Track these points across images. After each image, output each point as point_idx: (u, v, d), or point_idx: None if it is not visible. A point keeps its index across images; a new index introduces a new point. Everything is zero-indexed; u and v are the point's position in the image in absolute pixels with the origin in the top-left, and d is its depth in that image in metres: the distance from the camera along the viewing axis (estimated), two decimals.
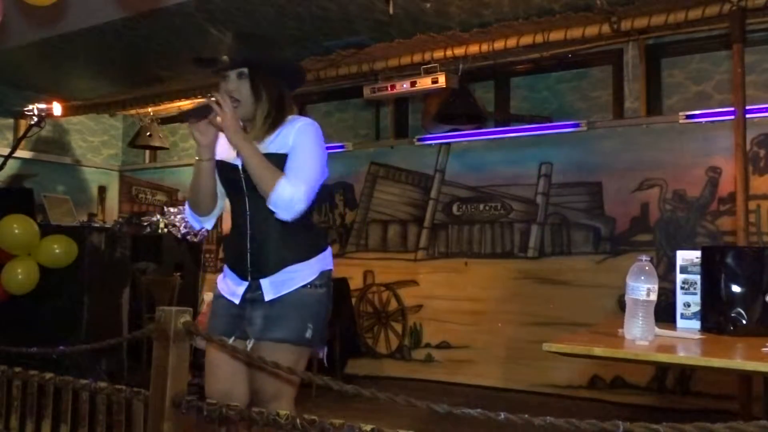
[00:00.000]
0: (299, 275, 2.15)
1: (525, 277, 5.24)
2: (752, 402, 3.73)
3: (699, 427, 1.07)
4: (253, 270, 2.16)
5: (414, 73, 5.09)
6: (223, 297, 2.24)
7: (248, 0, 4.39)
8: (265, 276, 2.15)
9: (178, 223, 5.68)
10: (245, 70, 2.12)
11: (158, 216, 5.69)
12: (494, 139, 5.51)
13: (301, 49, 5.16)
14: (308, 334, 2.13)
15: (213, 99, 2.07)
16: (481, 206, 5.50)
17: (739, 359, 1.85)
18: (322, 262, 2.22)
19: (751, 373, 1.99)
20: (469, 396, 4.94)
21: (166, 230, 5.55)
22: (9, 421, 2.05)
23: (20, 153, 6.48)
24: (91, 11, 4.56)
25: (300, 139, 2.13)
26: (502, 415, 1.21)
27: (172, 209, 5.91)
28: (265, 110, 2.14)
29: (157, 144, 6.85)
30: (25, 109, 6.19)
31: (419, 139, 5.82)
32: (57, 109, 6.05)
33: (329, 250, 2.28)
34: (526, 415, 1.19)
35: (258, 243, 2.16)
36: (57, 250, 4.07)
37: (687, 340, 2.09)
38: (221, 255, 6.96)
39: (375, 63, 5.12)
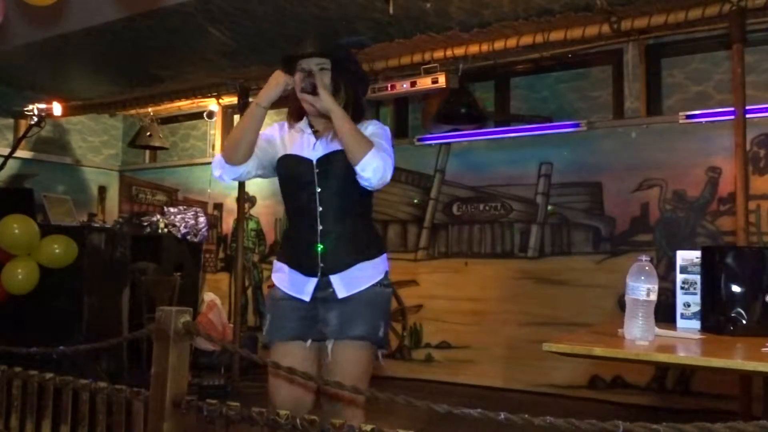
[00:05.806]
0: (368, 273, 2.16)
1: (525, 277, 5.24)
2: (752, 402, 3.73)
3: (699, 427, 1.07)
4: (324, 266, 2.14)
5: (414, 73, 5.09)
6: (288, 297, 2.19)
7: (248, 0, 4.39)
8: (335, 273, 2.13)
9: (178, 223, 5.69)
10: (327, 63, 2.16)
11: (158, 216, 5.69)
12: (494, 139, 5.51)
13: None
14: (381, 332, 2.13)
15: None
16: (481, 206, 5.50)
17: (739, 359, 1.84)
18: (386, 262, 2.25)
19: (751, 373, 1.99)
20: (469, 396, 4.93)
21: (166, 230, 5.56)
22: (9, 421, 2.05)
23: (20, 153, 6.47)
24: (91, 11, 4.56)
25: (377, 131, 2.18)
26: (502, 415, 1.21)
27: (172, 209, 5.91)
28: (342, 104, 2.14)
29: (157, 144, 6.85)
30: (25, 109, 6.19)
31: (419, 139, 5.82)
32: (57, 109, 6.05)
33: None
34: (526, 415, 1.19)
35: (330, 239, 2.15)
36: (57, 250, 4.06)
37: (687, 340, 2.09)
38: (221, 255, 6.95)
39: (375, 63, 5.11)
